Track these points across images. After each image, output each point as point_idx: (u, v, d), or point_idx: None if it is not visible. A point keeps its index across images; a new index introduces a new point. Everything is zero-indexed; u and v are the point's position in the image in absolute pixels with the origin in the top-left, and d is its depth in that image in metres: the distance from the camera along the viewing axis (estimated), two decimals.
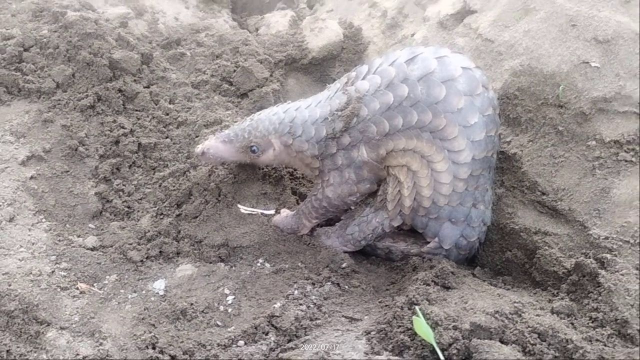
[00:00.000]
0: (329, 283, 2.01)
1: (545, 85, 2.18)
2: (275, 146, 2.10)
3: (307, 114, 2.06)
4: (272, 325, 1.77)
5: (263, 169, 2.31)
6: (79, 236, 2.12)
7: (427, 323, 1.57)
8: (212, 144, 2.16)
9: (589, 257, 1.84)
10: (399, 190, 2.03)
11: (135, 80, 2.51)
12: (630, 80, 2.06)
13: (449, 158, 1.91)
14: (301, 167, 2.19)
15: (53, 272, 1.94)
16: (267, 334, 1.75)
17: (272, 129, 2.09)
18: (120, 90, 2.44)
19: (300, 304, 1.86)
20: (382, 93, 1.93)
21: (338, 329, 1.77)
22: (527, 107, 2.21)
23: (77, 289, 1.92)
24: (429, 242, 2.12)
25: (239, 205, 2.22)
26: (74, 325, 1.78)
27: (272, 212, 2.23)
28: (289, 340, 1.73)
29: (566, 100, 2.13)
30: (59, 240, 2.06)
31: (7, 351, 1.65)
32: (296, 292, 1.93)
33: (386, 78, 1.94)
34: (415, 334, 1.58)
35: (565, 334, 1.54)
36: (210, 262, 2.09)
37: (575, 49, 2.17)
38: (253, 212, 2.22)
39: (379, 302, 1.93)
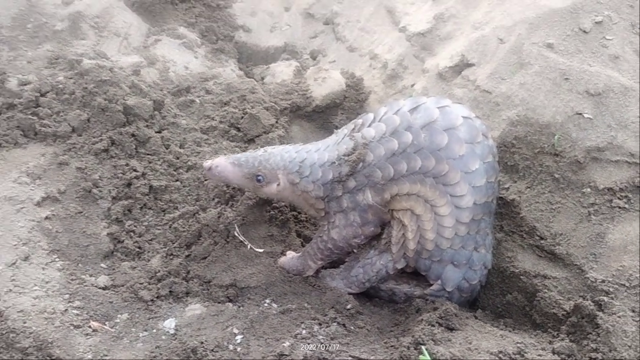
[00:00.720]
0: (335, 323, 2.06)
1: (541, 135, 2.29)
2: (281, 181, 2.18)
3: (316, 156, 2.15)
4: None
5: (270, 211, 2.39)
6: (91, 275, 2.17)
7: None
8: (222, 163, 2.23)
9: (587, 300, 1.91)
10: (403, 234, 2.10)
11: (147, 126, 2.61)
12: (621, 131, 2.17)
13: (452, 202, 2.00)
14: (304, 206, 2.26)
15: (66, 310, 1.99)
16: None
17: (281, 165, 2.17)
18: (133, 135, 2.54)
19: (309, 343, 1.91)
20: (387, 140, 2.03)
21: None
22: (524, 155, 2.31)
23: (90, 327, 1.96)
24: (431, 285, 2.18)
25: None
26: None
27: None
28: None
29: (561, 149, 2.24)
30: (72, 279, 2.11)
31: None
32: (304, 331, 1.98)
33: (391, 126, 2.04)
34: None
35: None
36: (219, 302, 2.14)
37: (569, 101, 2.29)
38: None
39: (384, 342, 1.98)
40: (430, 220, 2.03)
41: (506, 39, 2.61)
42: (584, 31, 2.48)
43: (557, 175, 2.23)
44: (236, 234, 2.30)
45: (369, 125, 2.10)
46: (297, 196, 2.21)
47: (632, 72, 2.34)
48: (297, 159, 2.17)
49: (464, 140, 1.98)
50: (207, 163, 2.25)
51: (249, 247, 2.28)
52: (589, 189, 2.16)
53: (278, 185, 2.19)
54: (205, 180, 2.49)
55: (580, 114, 2.25)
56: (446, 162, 1.97)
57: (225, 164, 2.22)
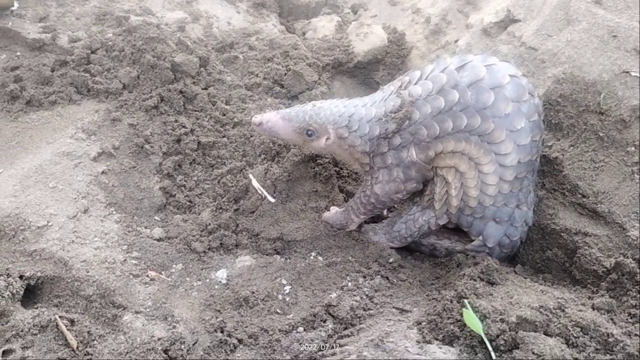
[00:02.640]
0: (379, 276, 2.14)
1: (587, 93, 2.28)
2: (331, 136, 2.22)
3: (363, 111, 2.19)
4: (330, 314, 1.92)
5: (314, 167, 2.45)
6: (146, 227, 2.29)
7: (476, 315, 1.70)
8: (272, 118, 2.26)
9: (628, 257, 1.94)
10: (447, 191, 2.15)
11: (194, 82, 2.67)
12: None
13: (496, 160, 2.03)
14: (350, 160, 2.32)
15: (125, 260, 2.11)
16: (324, 322, 1.89)
17: (331, 119, 2.21)
18: (181, 92, 2.61)
19: (354, 295, 2.00)
20: (433, 98, 2.06)
21: (390, 319, 1.90)
22: (568, 114, 2.31)
23: (148, 276, 2.08)
24: (472, 240, 2.24)
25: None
26: (147, 310, 1.95)
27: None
28: (345, 328, 1.87)
29: (607, 108, 2.23)
30: (129, 231, 2.23)
31: (88, 332, 1.82)
32: (349, 283, 2.07)
33: (438, 84, 2.06)
34: (465, 325, 1.70)
35: (606, 328, 1.65)
36: (267, 254, 2.24)
37: (616, 59, 2.27)
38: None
39: (426, 295, 2.06)
40: (474, 178, 2.07)
41: None
42: None
43: (601, 134, 2.23)
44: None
45: (416, 83, 2.12)
46: (343, 150, 2.26)
47: None
48: (346, 114, 2.21)
49: (510, 98, 2.00)
50: (257, 118, 2.28)
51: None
52: (633, 148, 2.16)
53: (327, 139, 2.23)
54: (252, 136, 2.56)
55: (628, 72, 2.23)
56: (492, 120, 1.99)
57: (275, 118, 2.26)
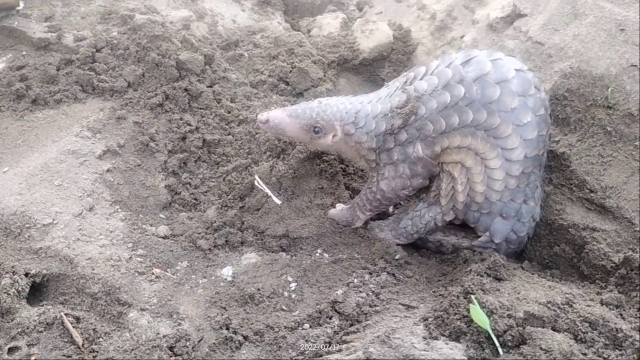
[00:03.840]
0: (385, 273, 2.13)
1: (594, 87, 2.26)
2: (338, 132, 2.21)
3: (369, 108, 2.18)
4: (335, 310, 1.91)
5: (320, 164, 2.44)
6: (151, 225, 2.29)
7: (483, 311, 1.68)
8: (278, 115, 2.25)
9: (637, 252, 1.92)
10: (453, 186, 2.13)
11: (199, 80, 2.67)
12: None
13: (502, 155, 2.01)
14: (355, 157, 2.30)
15: (130, 258, 2.11)
16: (330, 318, 1.88)
17: (338, 116, 2.20)
18: (186, 90, 2.60)
19: (360, 292, 1.99)
20: (439, 93, 2.04)
21: (396, 315, 1.89)
22: (576, 108, 2.29)
23: (153, 273, 2.08)
24: (479, 236, 2.22)
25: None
26: (153, 307, 1.95)
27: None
28: (351, 325, 1.86)
29: (615, 102, 2.21)
30: (134, 229, 2.23)
31: (94, 330, 1.82)
32: (355, 280, 2.06)
33: (443, 79, 2.05)
34: (471, 321, 1.69)
35: (615, 323, 1.63)
36: (273, 252, 2.23)
37: (624, 53, 2.24)
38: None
39: (433, 291, 2.05)
40: (481, 173, 2.06)
41: None
42: None
43: (609, 128, 2.21)
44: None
45: (421, 78, 2.11)
46: (350, 147, 2.25)
47: None
48: (353, 110, 2.20)
49: (516, 92, 1.98)
50: (263, 115, 2.27)
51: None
52: None
53: (334, 136, 2.22)
54: (257, 133, 2.55)
55: (636, 65, 2.21)
56: (498, 114, 1.97)
57: (282, 115, 2.25)
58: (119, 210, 2.28)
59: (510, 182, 2.06)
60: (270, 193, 2.33)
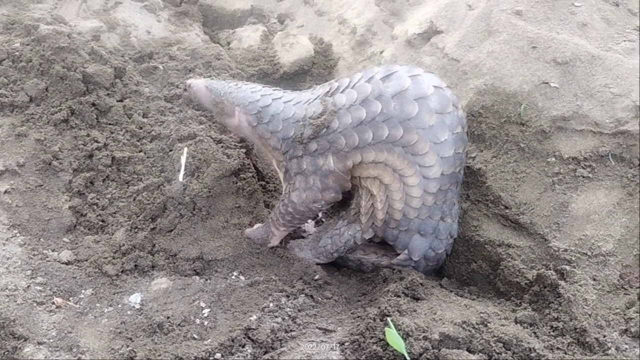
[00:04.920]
0: (303, 295, 2.06)
1: (508, 104, 2.29)
2: (237, 119, 2.20)
3: (281, 108, 2.13)
4: (249, 338, 1.82)
5: (237, 182, 2.35)
6: (53, 250, 2.13)
7: (399, 334, 1.64)
8: (198, 84, 2.34)
9: (550, 269, 1.94)
10: (372, 204, 2.10)
11: (108, 94, 2.53)
12: (587, 100, 2.18)
13: (420, 172, 2.00)
14: (266, 152, 2.31)
15: (29, 286, 1.95)
16: (243, 347, 1.80)
17: (242, 102, 2.18)
18: (93, 104, 2.46)
19: (276, 316, 1.92)
20: (355, 108, 2.01)
21: (313, 341, 1.82)
22: (490, 125, 2.31)
23: (54, 303, 1.93)
24: (398, 254, 2.19)
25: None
26: (51, 340, 1.80)
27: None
28: (265, 352, 1.78)
29: (527, 119, 2.24)
30: (34, 255, 2.07)
31: None
32: (271, 304, 1.98)
33: (362, 94, 2.01)
34: (388, 344, 1.65)
35: (529, 342, 1.63)
36: (186, 276, 2.13)
37: (536, 70, 2.28)
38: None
39: (352, 313, 2.00)
40: (399, 190, 2.03)
41: (475, 5, 2.58)
42: None
43: (522, 145, 2.24)
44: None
45: (342, 91, 2.07)
46: (256, 139, 2.23)
47: (600, 40, 2.34)
48: (260, 104, 2.15)
49: (434, 110, 1.97)
50: (188, 81, 2.38)
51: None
52: (553, 159, 2.18)
53: (235, 121, 2.21)
54: (171, 150, 2.43)
55: (547, 83, 2.25)
56: (415, 131, 1.96)
57: (201, 86, 2.32)
58: (18, 234, 2.12)
59: (427, 199, 2.05)
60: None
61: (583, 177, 2.11)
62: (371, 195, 2.10)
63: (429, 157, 1.99)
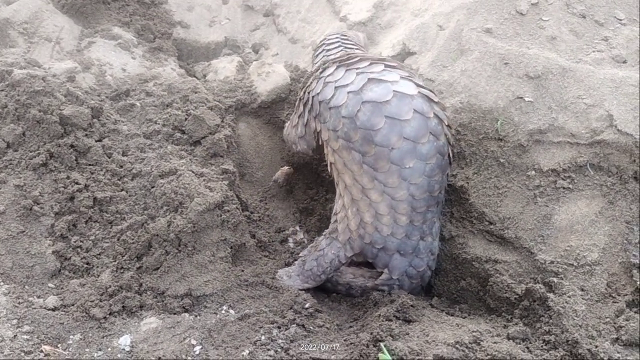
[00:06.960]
0: (294, 325, 2.05)
1: (485, 121, 2.31)
2: None
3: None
4: None
5: (221, 215, 2.33)
6: (39, 297, 2.09)
7: (393, 358, 1.64)
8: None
9: (538, 282, 1.95)
10: (345, 214, 2.14)
11: (86, 135, 2.51)
12: (562, 112, 2.22)
13: (384, 191, 2.05)
14: None
15: (15, 336, 1.91)
16: None
17: None
18: (72, 146, 2.44)
19: (268, 349, 1.90)
20: (329, 85, 2.20)
21: None
22: (469, 142, 2.34)
23: (42, 351, 1.89)
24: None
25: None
26: None
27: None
28: None
29: (505, 134, 2.27)
30: (19, 303, 2.03)
31: None
32: (263, 337, 1.96)
33: (345, 79, 2.17)
34: None
35: (522, 359, 1.63)
36: (175, 313, 2.10)
37: (510, 85, 2.32)
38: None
39: (344, 340, 1.98)
40: (363, 201, 2.09)
41: (445, 26, 2.62)
42: (521, 13, 2.51)
43: (502, 160, 2.26)
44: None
45: (340, 66, 2.26)
46: None
47: (570, 53, 2.39)
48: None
49: (406, 135, 2.03)
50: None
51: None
52: (533, 172, 2.20)
53: None
54: (153, 187, 2.41)
55: (521, 97, 2.29)
56: (375, 146, 2.03)
57: None
58: (2, 283, 2.08)
59: (400, 219, 2.09)
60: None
61: (564, 188, 2.13)
62: (343, 205, 2.16)
63: (392, 179, 2.02)
